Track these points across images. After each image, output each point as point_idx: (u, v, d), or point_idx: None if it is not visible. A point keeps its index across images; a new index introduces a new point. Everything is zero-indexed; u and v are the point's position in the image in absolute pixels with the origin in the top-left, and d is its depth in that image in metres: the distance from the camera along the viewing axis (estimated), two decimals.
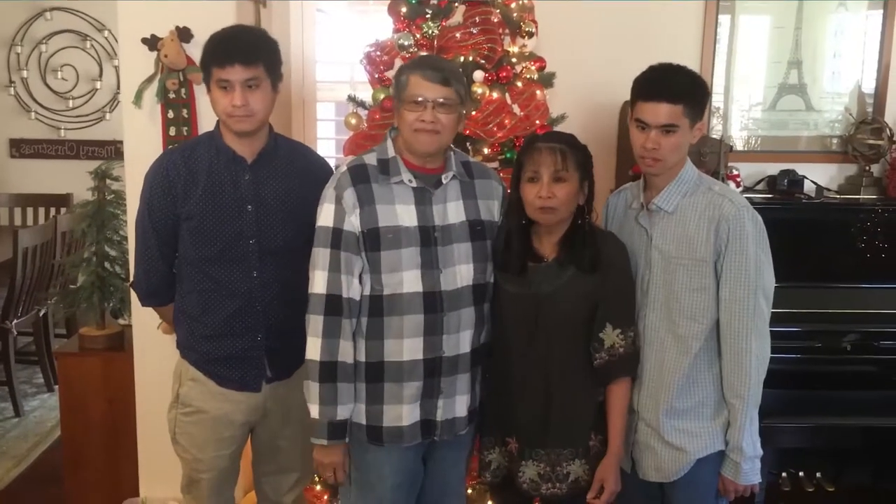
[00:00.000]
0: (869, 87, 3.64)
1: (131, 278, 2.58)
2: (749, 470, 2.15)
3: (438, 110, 2.08)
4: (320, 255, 2.11)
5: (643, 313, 2.21)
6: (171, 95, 3.07)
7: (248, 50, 2.18)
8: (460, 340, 2.17)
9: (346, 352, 2.12)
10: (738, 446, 2.13)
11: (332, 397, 2.12)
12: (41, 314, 4.94)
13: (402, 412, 2.16)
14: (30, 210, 5.73)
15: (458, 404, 2.22)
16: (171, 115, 3.09)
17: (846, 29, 3.61)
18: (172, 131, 3.09)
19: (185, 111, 3.09)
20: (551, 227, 2.17)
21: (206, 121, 3.02)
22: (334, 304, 2.09)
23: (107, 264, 3.53)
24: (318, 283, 2.11)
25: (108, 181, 3.52)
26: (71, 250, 4.88)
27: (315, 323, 2.11)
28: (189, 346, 2.42)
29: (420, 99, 2.08)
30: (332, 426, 2.13)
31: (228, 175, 2.29)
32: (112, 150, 5.75)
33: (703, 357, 2.15)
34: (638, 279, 2.22)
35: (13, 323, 4.60)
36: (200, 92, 3.07)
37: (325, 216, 2.12)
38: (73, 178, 4.95)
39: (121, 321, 3.80)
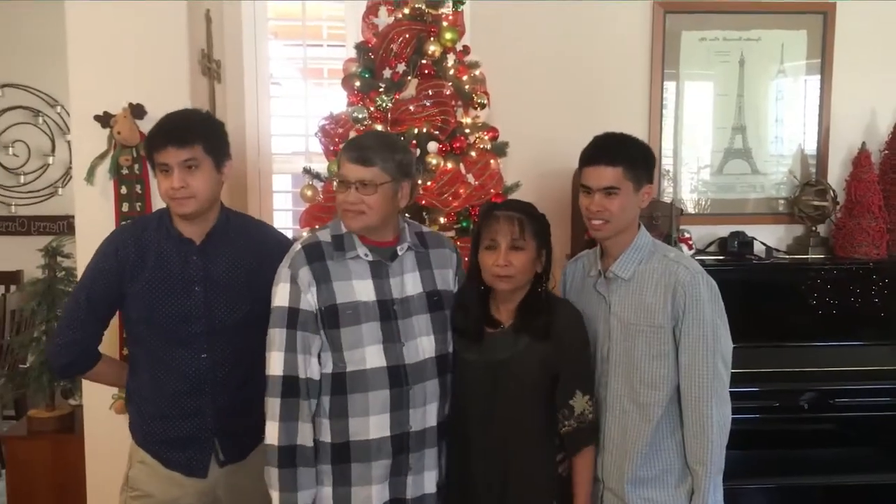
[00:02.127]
0: (811, 150, 3.77)
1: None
2: None
3: (361, 191, 2.07)
4: (276, 336, 2.07)
5: (604, 381, 2.20)
6: (125, 171, 3.06)
7: (182, 132, 2.17)
8: (426, 414, 2.14)
9: (306, 435, 2.06)
10: None
11: (293, 483, 2.05)
12: None
13: (372, 493, 2.11)
14: None
15: (426, 480, 2.17)
16: (124, 190, 3.07)
17: (786, 95, 3.75)
18: (125, 207, 3.06)
19: (138, 187, 3.07)
20: (508, 295, 2.18)
21: (160, 196, 3.00)
22: (291, 386, 2.05)
23: None
24: (275, 364, 2.06)
25: (58, 258, 3.46)
26: (20, 329, 4.75)
27: (272, 406, 2.06)
28: (137, 427, 2.36)
29: (344, 180, 2.09)
30: None
31: (177, 256, 2.26)
32: (64, 226, 5.65)
33: (666, 424, 2.15)
34: (598, 347, 2.22)
35: None
36: None
37: (281, 296, 2.09)
38: (24, 255, 4.84)
39: (72, 402, 3.70)
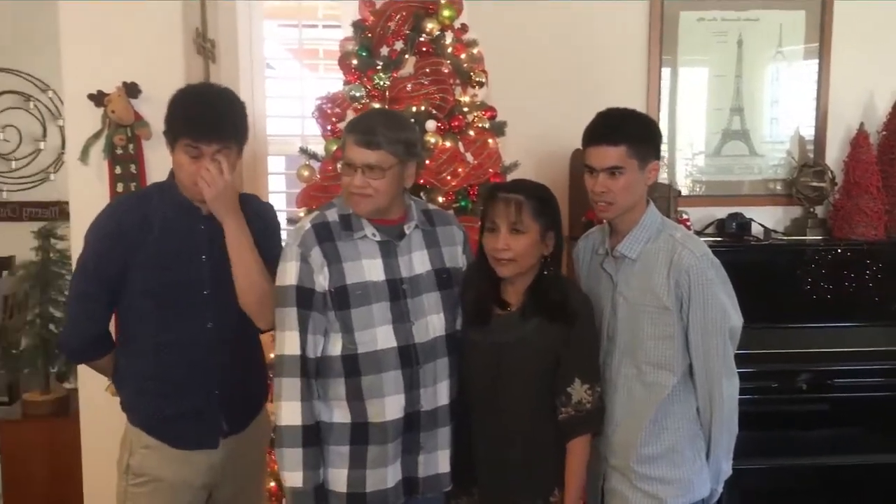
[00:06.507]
0: (809, 131, 3.77)
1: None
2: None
3: (368, 175, 2.02)
4: (288, 316, 2.03)
5: (608, 361, 2.19)
6: (119, 151, 3.02)
7: (223, 125, 2.14)
8: (437, 393, 2.12)
9: (321, 414, 2.07)
10: (719, 466, 2.18)
11: (316, 462, 2.03)
12: None
13: (387, 474, 2.08)
14: None
15: (440, 459, 2.15)
16: (118, 171, 3.03)
17: (784, 76, 3.74)
18: (120, 187, 3.02)
19: (132, 167, 3.03)
20: (516, 277, 2.13)
21: (155, 176, 2.98)
22: (307, 366, 2.03)
23: (51, 326, 3.42)
24: (290, 344, 2.03)
25: (52, 241, 3.43)
26: (13, 314, 4.71)
27: (291, 386, 2.02)
28: (137, 408, 2.29)
29: (351, 164, 2.04)
30: (318, 492, 2.03)
31: (184, 224, 2.22)
32: (56, 211, 5.61)
33: (671, 402, 2.14)
34: (604, 324, 2.20)
35: None
36: (148, 147, 3.03)
37: (290, 274, 2.04)
38: (16, 240, 4.78)
39: (66, 385, 3.68)
